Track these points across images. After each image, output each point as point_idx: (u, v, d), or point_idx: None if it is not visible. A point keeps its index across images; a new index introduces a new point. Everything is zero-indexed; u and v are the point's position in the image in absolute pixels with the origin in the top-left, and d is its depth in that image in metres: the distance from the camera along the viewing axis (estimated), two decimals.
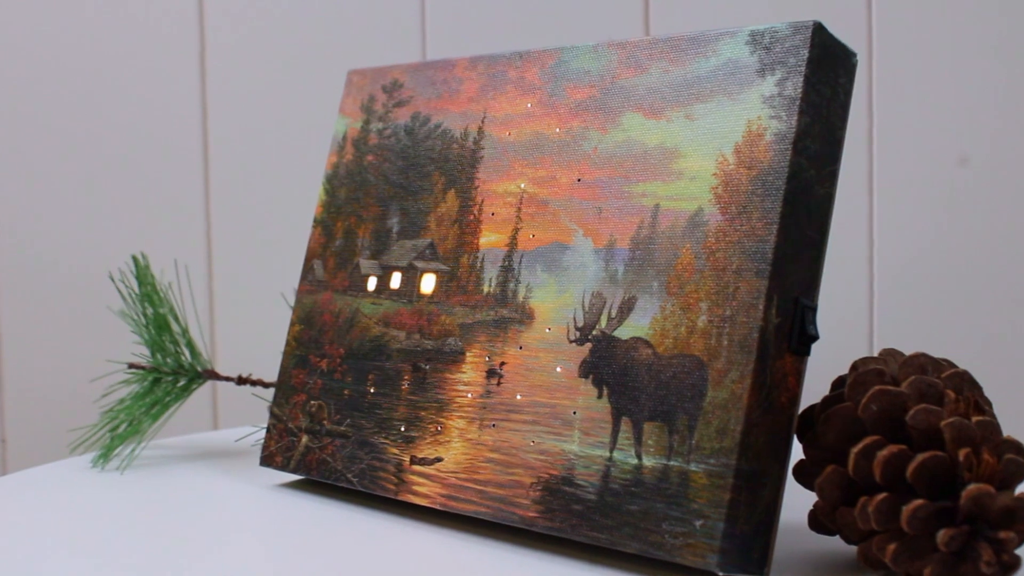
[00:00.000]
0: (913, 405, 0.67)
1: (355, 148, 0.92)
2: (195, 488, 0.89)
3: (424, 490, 0.79)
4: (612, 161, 0.76)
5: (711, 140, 0.71)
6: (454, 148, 0.85)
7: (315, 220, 0.93)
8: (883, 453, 0.65)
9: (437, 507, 0.78)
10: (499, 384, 0.78)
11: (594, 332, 0.74)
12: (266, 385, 1.01)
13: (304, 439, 0.88)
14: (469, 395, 0.79)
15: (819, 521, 0.71)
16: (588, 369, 0.74)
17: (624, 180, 0.75)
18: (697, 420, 0.68)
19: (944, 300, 1.10)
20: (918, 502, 0.64)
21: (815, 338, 0.69)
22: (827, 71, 0.70)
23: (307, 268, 0.92)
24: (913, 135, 1.11)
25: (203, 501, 0.85)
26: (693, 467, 0.67)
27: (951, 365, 0.71)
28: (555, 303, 0.77)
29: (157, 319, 0.97)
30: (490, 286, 0.81)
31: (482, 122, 0.84)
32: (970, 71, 1.11)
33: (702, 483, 0.67)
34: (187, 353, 0.98)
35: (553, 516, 0.72)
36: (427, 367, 0.82)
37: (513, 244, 0.80)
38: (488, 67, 0.85)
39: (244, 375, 1.01)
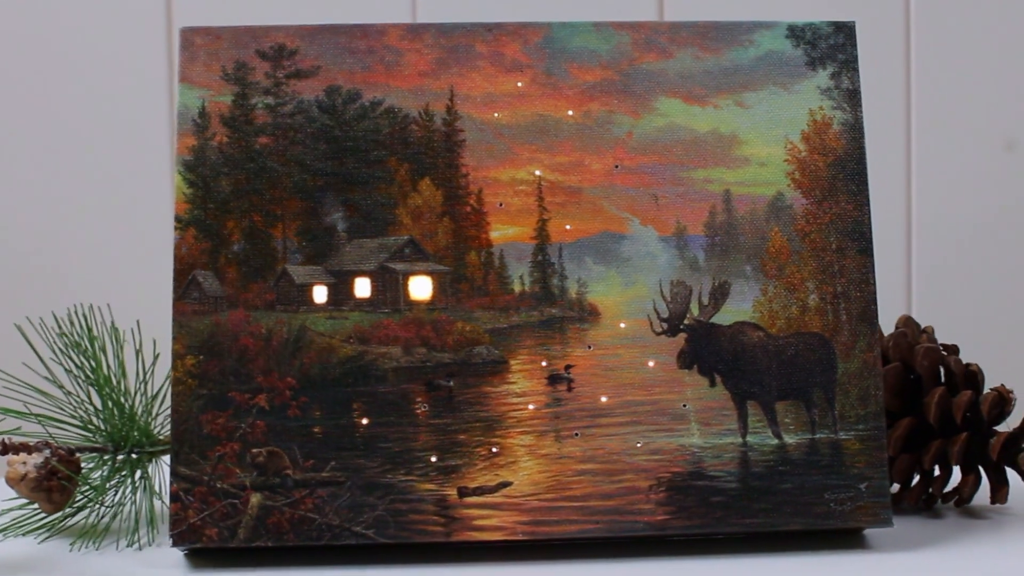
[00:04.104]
0: (943, 356, 0.84)
1: (229, 127, 0.79)
2: None
3: (493, 522, 0.75)
4: (656, 147, 0.80)
5: (773, 128, 0.80)
6: (413, 130, 0.79)
7: (179, 220, 0.78)
8: (961, 398, 0.82)
9: (518, 537, 0.75)
10: (570, 389, 0.77)
11: (686, 321, 0.78)
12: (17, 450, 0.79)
13: (255, 499, 0.74)
14: (530, 407, 0.76)
15: None
16: (690, 359, 0.78)
17: (679, 166, 0.80)
18: (834, 392, 0.77)
19: (986, 292, 1.13)
20: (1005, 433, 0.82)
21: None
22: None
23: (185, 281, 0.77)
24: (955, 119, 1.12)
25: None
26: (842, 436, 0.77)
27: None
28: (623, 296, 0.78)
29: None
30: (523, 284, 0.78)
31: (450, 100, 0.80)
32: (1017, 50, 1.11)
33: (856, 448, 0.77)
34: None
35: (690, 514, 0.75)
36: (450, 383, 0.77)
37: (543, 236, 0.79)
38: (441, 38, 0.81)
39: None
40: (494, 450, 0.76)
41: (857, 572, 0.72)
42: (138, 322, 0.82)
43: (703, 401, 0.77)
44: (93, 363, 0.83)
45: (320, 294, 0.77)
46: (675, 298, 0.78)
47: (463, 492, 0.75)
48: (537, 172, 0.79)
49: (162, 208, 1.13)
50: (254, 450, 0.75)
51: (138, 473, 0.82)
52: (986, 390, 0.84)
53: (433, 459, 0.75)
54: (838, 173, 0.80)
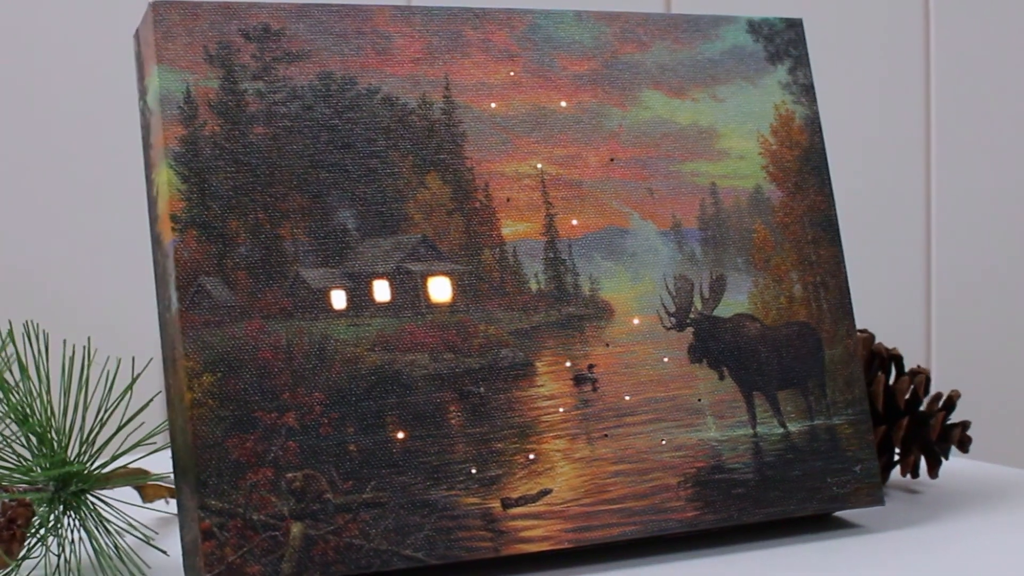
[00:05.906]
0: (875, 343, 0.92)
1: (220, 115, 0.72)
2: None
3: (539, 532, 0.74)
4: (646, 140, 0.82)
5: (746, 121, 0.84)
6: (413, 120, 0.76)
7: (176, 220, 0.71)
8: (902, 384, 0.89)
9: (565, 546, 0.74)
10: (595, 389, 0.77)
11: (691, 315, 0.80)
12: None
13: (296, 529, 0.69)
14: (560, 410, 0.76)
15: None
16: (699, 353, 0.80)
17: (668, 159, 0.82)
18: (825, 379, 0.82)
19: (1008, 299, 1.09)
20: (942, 414, 0.90)
21: None
22: None
23: (191, 290, 0.70)
24: (976, 112, 1.06)
25: None
26: (836, 420, 0.82)
27: None
28: (632, 292, 0.79)
29: None
30: (538, 283, 0.77)
31: (446, 89, 0.78)
32: None
33: (848, 432, 0.82)
34: None
35: (716, 508, 0.78)
36: (481, 389, 0.75)
37: (552, 232, 0.78)
38: (429, 23, 0.78)
39: None
40: (531, 457, 0.74)
41: (872, 552, 0.76)
42: (89, 339, 0.74)
43: (715, 395, 0.79)
44: (16, 397, 0.73)
45: (339, 299, 0.72)
46: (679, 292, 0.80)
47: (507, 503, 0.73)
48: (539, 165, 0.78)
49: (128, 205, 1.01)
50: (289, 475, 0.69)
51: (80, 509, 0.74)
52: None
53: (473, 471, 0.72)
54: (804, 166, 0.84)
